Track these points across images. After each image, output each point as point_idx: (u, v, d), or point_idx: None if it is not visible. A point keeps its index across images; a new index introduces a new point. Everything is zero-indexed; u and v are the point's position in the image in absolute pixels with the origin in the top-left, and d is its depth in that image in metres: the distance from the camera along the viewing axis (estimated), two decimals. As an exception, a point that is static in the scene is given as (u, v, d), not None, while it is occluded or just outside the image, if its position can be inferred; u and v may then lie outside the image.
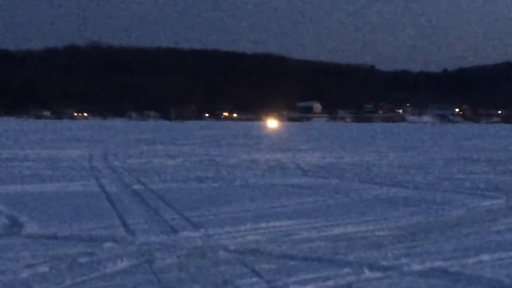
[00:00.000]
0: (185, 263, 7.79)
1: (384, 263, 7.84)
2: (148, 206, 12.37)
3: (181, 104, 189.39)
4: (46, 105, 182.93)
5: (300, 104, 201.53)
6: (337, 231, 10.00)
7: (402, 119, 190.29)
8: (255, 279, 7.08)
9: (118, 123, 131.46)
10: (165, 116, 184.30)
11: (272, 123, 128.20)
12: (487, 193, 14.82)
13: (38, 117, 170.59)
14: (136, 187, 15.58)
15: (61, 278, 7.09)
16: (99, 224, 10.34)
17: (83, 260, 7.90)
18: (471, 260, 8.06)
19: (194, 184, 16.40)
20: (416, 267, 7.66)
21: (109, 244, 8.74)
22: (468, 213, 11.95)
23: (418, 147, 38.91)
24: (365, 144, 42.20)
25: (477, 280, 7.16)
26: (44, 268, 7.46)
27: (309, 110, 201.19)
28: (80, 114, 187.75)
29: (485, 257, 8.24)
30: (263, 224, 10.41)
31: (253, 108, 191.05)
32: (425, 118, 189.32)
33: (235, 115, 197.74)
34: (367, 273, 7.34)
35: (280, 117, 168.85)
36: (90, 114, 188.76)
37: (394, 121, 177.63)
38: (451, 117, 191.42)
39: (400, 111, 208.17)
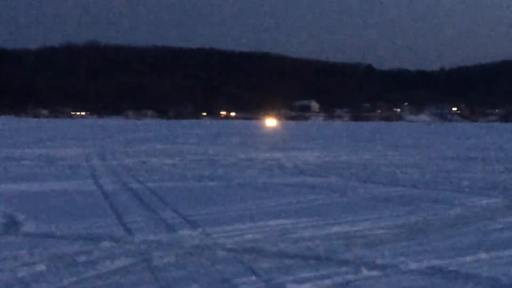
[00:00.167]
0: (183, 262, 7.79)
1: (382, 261, 7.85)
2: (146, 205, 12.37)
3: (178, 103, 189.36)
4: (44, 104, 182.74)
5: (298, 103, 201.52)
6: (334, 229, 10.00)
7: (399, 118, 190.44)
8: (252, 278, 7.08)
9: (116, 122, 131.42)
10: (163, 115, 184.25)
11: (270, 122, 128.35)
12: (485, 192, 14.83)
13: (36, 116, 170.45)
14: (133, 186, 15.58)
15: (59, 277, 7.09)
16: (97, 223, 10.34)
17: (81, 258, 7.89)
18: (468, 259, 8.07)
19: (191, 183, 16.39)
20: (414, 265, 7.67)
21: (106, 243, 8.73)
22: (466, 212, 11.96)
23: (416, 146, 38.94)
24: (363, 143, 42.22)
25: (475, 279, 7.16)
26: (42, 267, 7.45)
27: (307, 109, 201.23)
28: (77, 113, 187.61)
29: (482, 255, 8.24)
30: (260, 223, 10.42)
31: (251, 107, 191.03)
32: (423, 117, 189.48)
33: (233, 114, 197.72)
34: (365, 272, 7.35)
35: (278, 116, 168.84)
36: (88, 113, 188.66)
37: (391, 120, 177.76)
38: (449, 116, 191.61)
39: (398, 110, 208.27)
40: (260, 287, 6.80)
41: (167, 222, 10.46)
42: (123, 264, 7.67)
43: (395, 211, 11.98)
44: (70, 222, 10.38)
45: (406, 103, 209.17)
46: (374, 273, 7.36)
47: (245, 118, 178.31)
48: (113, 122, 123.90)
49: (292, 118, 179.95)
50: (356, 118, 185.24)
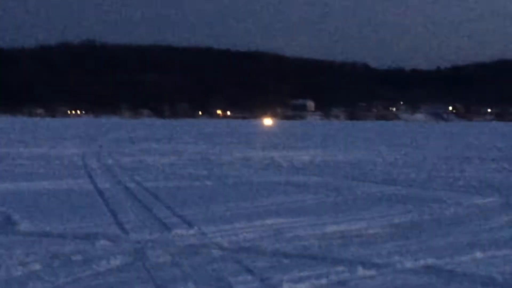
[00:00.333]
0: (179, 261, 7.79)
1: (378, 260, 7.85)
2: (142, 204, 12.36)
3: (174, 102, 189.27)
4: (40, 103, 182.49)
5: (294, 102, 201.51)
6: (330, 228, 10.00)
7: (395, 117, 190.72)
8: (248, 277, 7.08)
9: (112, 121, 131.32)
10: (159, 114, 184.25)
11: (267, 121, 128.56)
12: (481, 191, 14.85)
13: (32, 115, 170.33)
14: (129, 185, 15.57)
15: (55, 276, 7.08)
16: (93, 222, 10.33)
17: (77, 257, 7.89)
18: (464, 258, 8.08)
19: (187, 182, 16.39)
20: (410, 264, 7.68)
21: (102, 242, 8.73)
22: (461, 211, 11.98)
23: (412, 145, 38.99)
24: (359, 142, 42.25)
25: (471, 278, 7.17)
26: (37, 266, 7.45)
27: (303, 108, 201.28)
28: (73, 112, 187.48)
29: (478, 254, 8.25)
30: (256, 222, 10.42)
31: (247, 106, 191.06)
32: (419, 116, 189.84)
33: (228, 113, 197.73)
34: (361, 271, 7.35)
35: (274, 115, 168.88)
36: (84, 112, 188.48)
37: (387, 119, 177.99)
38: (445, 115, 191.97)
39: (394, 109, 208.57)
40: (256, 286, 6.80)
41: (162, 221, 10.45)
42: (119, 263, 7.67)
43: (391, 210, 11.98)
44: (66, 221, 10.37)
45: (402, 102, 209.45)
46: (370, 272, 7.36)
47: (241, 117, 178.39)
48: (109, 121, 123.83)
49: (288, 117, 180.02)
50: (352, 117, 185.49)
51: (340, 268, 7.47)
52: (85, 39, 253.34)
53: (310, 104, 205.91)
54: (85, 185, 15.56)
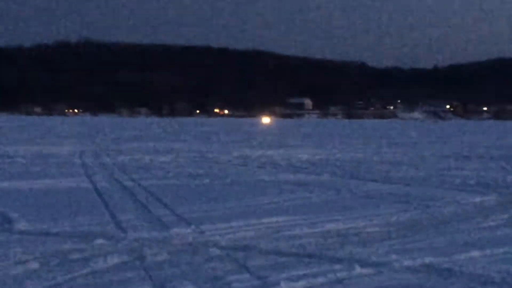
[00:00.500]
0: (176, 260, 7.79)
1: (375, 259, 7.85)
2: (139, 203, 12.36)
3: (172, 101, 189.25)
4: (37, 101, 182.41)
5: (291, 100, 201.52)
6: (328, 227, 10.00)
7: (393, 115, 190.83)
8: (246, 275, 7.08)
9: (109, 119, 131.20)
10: (156, 112, 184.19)
11: (264, 119, 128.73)
12: (478, 190, 14.86)
13: (29, 113, 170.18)
14: (127, 183, 15.56)
15: (52, 274, 7.08)
16: (90, 220, 10.32)
17: (74, 256, 7.88)
18: (461, 256, 8.08)
19: (185, 181, 16.38)
20: (407, 263, 7.68)
21: (100, 241, 8.72)
22: (459, 210, 11.98)
23: (409, 143, 39.00)
24: (356, 141, 42.25)
25: (468, 276, 7.17)
26: (35, 265, 7.44)
27: (300, 106, 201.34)
28: (70, 110, 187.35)
29: (475, 253, 8.26)
30: (254, 221, 10.42)
31: (245, 105, 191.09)
32: (416, 114, 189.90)
33: (226, 111, 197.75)
34: (358, 269, 7.35)
35: (271, 114, 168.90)
36: (81, 110, 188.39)
37: (385, 118, 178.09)
38: (442, 114, 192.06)
39: (391, 107, 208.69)
40: (253, 284, 6.79)
41: (160, 220, 10.45)
42: (116, 262, 7.66)
43: (389, 208, 11.99)
44: (63, 220, 10.36)
45: (399, 101, 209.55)
46: (368, 270, 7.36)
47: (238, 116, 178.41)
48: (106, 120, 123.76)
49: (286, 115, 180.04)
50: (349, 115, 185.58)
51: (338, 267, 7.47)
52: (83, 38, 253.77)
53: (308, 102, 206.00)
54: (83, 183, 15.55)
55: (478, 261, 7.89)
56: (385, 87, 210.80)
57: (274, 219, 10.63)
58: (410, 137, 49.62)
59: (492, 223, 10.58)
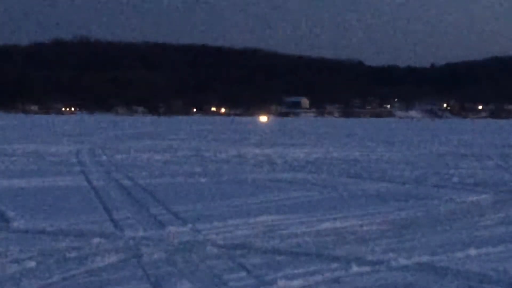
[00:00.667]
0: (173, 258, 7.79)
1: (372, 257, 7.86)
2: (136, 201, 12.35)
3: (169, 99, 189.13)
4: (34, 100, 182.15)
5: (288, 99, 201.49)
6: (325, 226, 10.01)
7: (390, 114, 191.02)
8: (243, 274, 7.08)
9: (106, 118, 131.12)
10: (153, 111, 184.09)
11: (261, 118, 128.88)
12: (475, 188, 14.88)
13: (26, 112, 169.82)
14: (124, 182, 15.55)
15: (49, 273, 7.07)
16: (87, 219, 10.32)
17: (71, 255, 7.88)
18: (458, 255, 8.09)
19: (182, 179, 16.37)
20: (404, 261, 7.68)
21: (97, 239, 8.72)
22: (456, 208, 11.99)
23: (406, 142, 39.02)
24: (353, 139, 42.27)
25: (464, 275, 7.18)
26: (32, 263, 7.43)
27: (297, 105, 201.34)
28: (67, 109, 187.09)
29: (472, 251, 8.26)
30: (251, 219, 10.42)
31: (242, 103, 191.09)
32: (413, 113, 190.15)
33: (223, 110, 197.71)
34: (355, 268, 7.35)
35: (268, 112, 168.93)
36: (78, 109, 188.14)
37: (382, 116, 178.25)
38: (439, 112, 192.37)
39: (388, 106, 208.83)
40: (250, 283, 6.80)
41: (157, 218, 10.44)
42: (113, 260, 7.66)
43: (385, 207, 12.00)
44: (60, 218, 10.35)
45: (396, 100, 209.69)
46: (364, 269, 7.37)
47: (235, 114, 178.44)
48: (103, 118, 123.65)
49: (283, 114, 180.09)
50: (346, 114, 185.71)
51: (335, 265, 7.47)
52: (79, 36, 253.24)
53: (305, 101, 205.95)
54: (80, 182, 15.54)
55: (475, 259, 7.89)
56: (382, 86, 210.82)
57: (271, 217, 10.63)
58: (406, 136, 49.65)
59: (488, 222, 10.59)
